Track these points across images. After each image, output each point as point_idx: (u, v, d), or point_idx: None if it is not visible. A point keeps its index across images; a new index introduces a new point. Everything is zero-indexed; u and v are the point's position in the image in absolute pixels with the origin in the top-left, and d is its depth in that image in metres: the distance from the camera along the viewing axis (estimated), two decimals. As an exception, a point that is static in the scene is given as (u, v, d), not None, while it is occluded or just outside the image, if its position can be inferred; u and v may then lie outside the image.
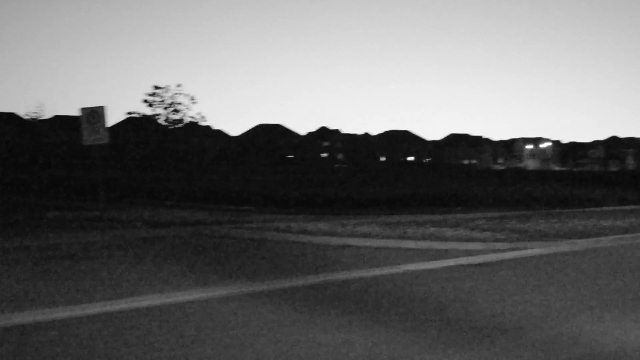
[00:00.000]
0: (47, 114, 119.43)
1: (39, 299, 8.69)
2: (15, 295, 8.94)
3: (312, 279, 10.44)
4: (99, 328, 7.24)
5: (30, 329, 7.18)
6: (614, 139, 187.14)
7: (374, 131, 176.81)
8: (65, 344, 6.62)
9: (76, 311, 7.98)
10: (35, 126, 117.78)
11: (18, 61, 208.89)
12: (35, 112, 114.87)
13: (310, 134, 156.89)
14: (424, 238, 15.31)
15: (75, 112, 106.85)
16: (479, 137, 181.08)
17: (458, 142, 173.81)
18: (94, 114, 19.88)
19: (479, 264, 12.28)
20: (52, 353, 6.36)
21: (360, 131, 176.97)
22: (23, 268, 11.20)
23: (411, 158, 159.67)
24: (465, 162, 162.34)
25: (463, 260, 12.64)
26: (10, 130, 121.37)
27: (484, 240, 15.06)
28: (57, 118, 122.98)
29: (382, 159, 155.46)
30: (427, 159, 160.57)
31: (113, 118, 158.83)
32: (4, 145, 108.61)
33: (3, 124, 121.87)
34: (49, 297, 8.81)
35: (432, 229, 16.64)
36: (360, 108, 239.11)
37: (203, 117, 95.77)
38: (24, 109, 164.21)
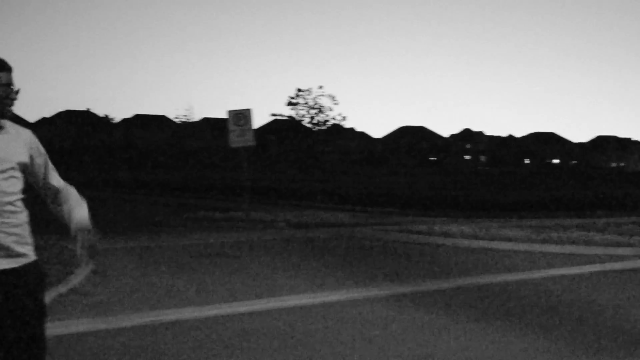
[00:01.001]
0: (196, 117, 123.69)
1: (188, 297, 9.00)
2: (168, 293, 9.28)
3: (457, 282, 10.40)
4: (253, 325, 7.44)
5: (185, 325, 7.44)
6: None
7: (519, 133, 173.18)
8: (218, 340, 6.84)
9: (229, 309, 8.24)
10: (184, 128, 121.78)
11: (169, 66, 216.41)
12: (185, 115, 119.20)
13: (453, 136, 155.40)
14: (569, 242, 14.96)
15: (222, 114, 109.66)
16: (628, 139, 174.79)
17: (605, 145, 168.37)
18: (241, 117, 20.37)
19: (629, 270, 11.92)
20: (212, 349, 6.57)
21: (504, 133, 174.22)
22: (173, 266, 11.61)
23: (556, 161, 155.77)
24: (613, 164, 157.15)
25: (611, 266, 12.30)
26: (161, 133, 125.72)
27: (633, 246, 14.58)
28: (205, 120, 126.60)
29: (527, 161, 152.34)
30: (573, 162, 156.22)
31: (258, 120, 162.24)
32: (156, 148, 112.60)
33: (154, 127, 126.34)
34: (199, 295, 9.11)
35: (577, 233, 16.23)
36: (505, 109, 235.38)
37: (344, 117, 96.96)
38: (174, 112, 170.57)
